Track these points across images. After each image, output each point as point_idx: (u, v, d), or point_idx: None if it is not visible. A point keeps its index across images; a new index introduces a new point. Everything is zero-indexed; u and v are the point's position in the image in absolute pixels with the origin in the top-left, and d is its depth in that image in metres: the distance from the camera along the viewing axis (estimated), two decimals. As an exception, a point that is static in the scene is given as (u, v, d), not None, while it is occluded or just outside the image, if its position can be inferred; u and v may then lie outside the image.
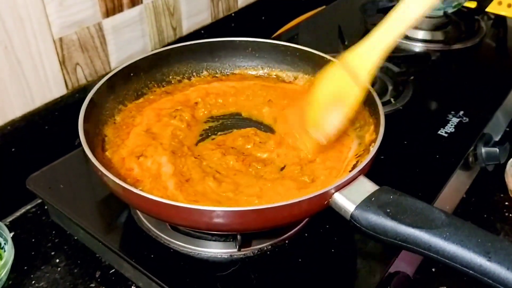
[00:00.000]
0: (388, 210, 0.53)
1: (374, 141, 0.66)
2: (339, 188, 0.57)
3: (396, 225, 0.52)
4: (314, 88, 0.72)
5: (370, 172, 0.62)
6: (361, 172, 0.59)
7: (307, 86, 0.84)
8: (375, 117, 0.70)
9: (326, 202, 0.57)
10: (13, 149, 0.78)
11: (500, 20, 1.27)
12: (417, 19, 0.65)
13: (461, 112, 0.90)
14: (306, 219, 0.68)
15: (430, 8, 0.65)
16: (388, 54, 0.67)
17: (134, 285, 0.67)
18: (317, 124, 0.70)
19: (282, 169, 0.70)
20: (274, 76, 0.87)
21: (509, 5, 1.38)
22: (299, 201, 0.55)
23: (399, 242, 0.52)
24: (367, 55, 0.67)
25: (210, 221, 0.55)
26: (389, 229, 0.52)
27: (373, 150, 0.62)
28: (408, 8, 0.65)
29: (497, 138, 0.90)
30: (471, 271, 0.48)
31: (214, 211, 0.54)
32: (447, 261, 0.49)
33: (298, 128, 0.73)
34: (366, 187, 0.58)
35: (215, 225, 0.56)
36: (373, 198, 0.55)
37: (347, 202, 0.56)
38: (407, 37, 1.15)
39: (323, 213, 0.60)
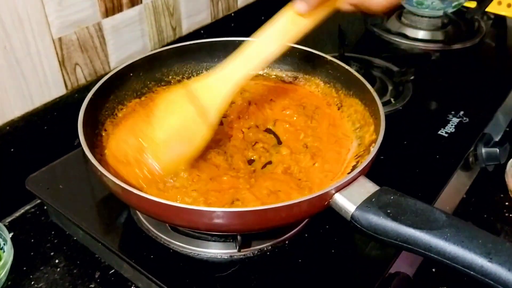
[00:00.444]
0: (389, 211, 0.53)
1: (374, 141, 0.65)
2: (339, 189, 0.57)
3: (397, 226, 0.52)
4: (157, 111, 0.65)
5: (370, 172, 0.61)
6: (361, 173, 0.59)
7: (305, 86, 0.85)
8: (375, 117, 0.70)
9: (326, 203, 0.57)
10: (12, 149, 0.78)
11: (499, 20, 1.27)
12: (273, 55, 0.64)
13: (461, 112, 0.90)
14: (306, 220, 0.68)
15: (286, 45, 0.64)
16: (238, 89, 0.64)
17: (133, 285, 0.66)
18: (156, 154, 0.62)
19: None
20: (274, 76, 0.87)
21: (508, 5, 1.38)
22: (299, 202, 0.55)
23: (400, 243, 0.52)
24: (217, 88, 0.64)
25: (210, 221, 0.55)
26: (389, 230, 0.52)
27: (374, 150, 0.61)
28: (265, 43, 0.64)
29: (497, 139, 0.90)
30: (472, 272, 0.48)
31: (214, 211, 0.54)
32: (448, 262, 0.49)
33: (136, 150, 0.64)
34: (367, 187, 0.57)
35: (215, 226, 0.56)
36: (374, 199, 0.55)
37: (347, 202, 0.56)
38: (407, 37, 1.15)
39: (323, 213, 0.59)
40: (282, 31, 0.64)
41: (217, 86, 0.64)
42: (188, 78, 0.85)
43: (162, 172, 0.62)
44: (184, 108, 0.64)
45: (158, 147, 0.62)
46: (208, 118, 0.63)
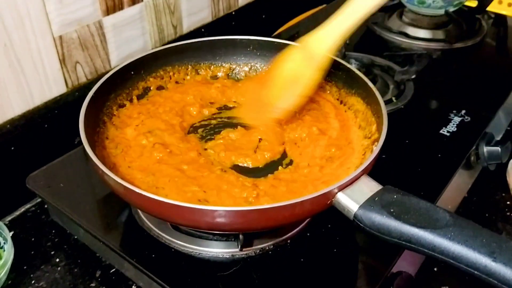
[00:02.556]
0: (392, 210, 0.53)
1: (376, 140, 0.65)
2: (342, 188, 0.56)
3: (400, 225, 0.51)
4: (274, 67, 0.74)
5: (372, 171, 0.61)
6: (364, 172, 0.58)
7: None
8: (377, 116, 0.70)
9: (329, 202, 0.57)
10: (12, 148, 0.77)
11: (500, 19, 1.27)
12: (377, 4, 0.67)
13: (463, 111, 0.90)
14: (308, 219, 0.68)
15: None
16: (347, 37, 0.70)
17: (134, 285, 0.66)
18: (275, 100, 0.73)
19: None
20: None
21: (509, 4, 1.38)
22: (302, 201, 0.54)
23: (403, 242, 0.52)
24: (325, 39, 0.70)
25: (212, 220, 0.54)
26: (393, 229, 0.52)
27: (376, 149, 0.61)
28: None
29: (498, 137, 0.89)
30: (476, 272, 0.48)
31: (216, 210, 0.54)
32: (451, 261, 0.49)
33: (258, 102, 0.75)
34: (370, 186, 0.57)
35: (217, 225, 0.56)
36: (377, 198, 0.55)
37: (350, 201, 0.55)
38: (408, 36, 1.15)
39: (325, 212, 0.59)
40: None
41: (324, 37, 0.70)
42: (189, 76, 0.85)
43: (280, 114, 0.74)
44: (297, 58, 0.72)
45: (276, 89, 0.73)
46: (315, 62, 0.71)
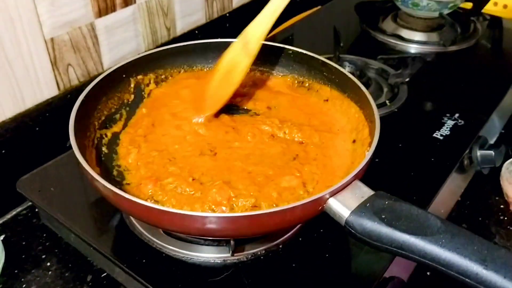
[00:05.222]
0: (383, 216, 0.53)
1: (369, 144, 0.65)
2: (334, 193, 0.56)
3: (391, 231, 0.51)
4: (219, 61, 0.76)
5: (364, 174, 0.61)
6: (356, 177, 0.58)
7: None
8: (370, 120, 0.69)
9: (320, 208, 0.57)
10: (3, 151, 0.77)
11: (495, 21, 1.27)
12: None
13: (457, 115, 0.90)
14: (300, 224, 0.67)
15: None
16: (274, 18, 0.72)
17: (125, 289, 0.66)
18: (211, 98, 0.75)
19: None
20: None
21: (504, 6, 1.38)
22: (293, 207, 0.54)
23: (395, 249, 0.51)
24: (260, 25, 0.73)
25: (202, 227, 0.54)
26: (384, 235, 0.52)
27: (368, 154, 0.61)
28: None
29: (492, 141, 0.89)
30: (467, 279, 0.47)
31: (206, 217, 0.54)
32: (442, 268, 0.49)
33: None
34: (361, 192, 0.57)
35: (207, 231, 0.55)
36: (368, 204, 0.55)
37: (342, 207, 0.55)
38: (402, 39, 1.15)
39: (317, 217, 0.59)
40: None
41: (259, 24, 0.73)
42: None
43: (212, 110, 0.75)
44: (233, 51, 0.75)
45: (213, 88, 0.75)
46: (249, 48, 0.74)
